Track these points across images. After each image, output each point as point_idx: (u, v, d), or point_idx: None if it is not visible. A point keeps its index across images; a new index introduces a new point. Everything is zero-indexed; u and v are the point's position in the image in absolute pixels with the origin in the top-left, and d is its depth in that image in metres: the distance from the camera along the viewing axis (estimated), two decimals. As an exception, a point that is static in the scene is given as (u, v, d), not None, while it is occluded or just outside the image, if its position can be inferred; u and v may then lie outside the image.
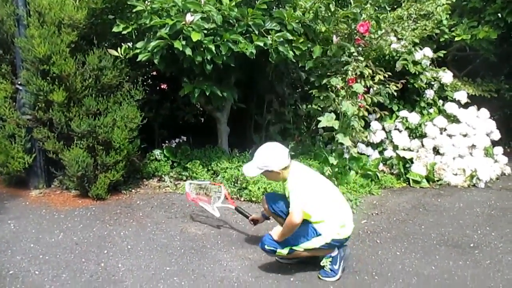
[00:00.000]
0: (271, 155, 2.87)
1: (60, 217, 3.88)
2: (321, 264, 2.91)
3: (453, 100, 5.56)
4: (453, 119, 5.41)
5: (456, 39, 5.83)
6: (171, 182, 4.84)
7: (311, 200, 2.80)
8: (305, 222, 2.83)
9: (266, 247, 2.89)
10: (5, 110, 4.32)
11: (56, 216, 3.90)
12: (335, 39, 4.83)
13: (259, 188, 4.38)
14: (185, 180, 4.86)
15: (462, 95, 5.55)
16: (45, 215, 3.90)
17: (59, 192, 4.50)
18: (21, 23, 4.29)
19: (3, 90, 4.41)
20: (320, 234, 2.83)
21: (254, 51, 4.18)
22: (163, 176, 4.91)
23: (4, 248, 3.26)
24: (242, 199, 4.42)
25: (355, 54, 4.82)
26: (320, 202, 2.83)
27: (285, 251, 2.87)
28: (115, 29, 4.33)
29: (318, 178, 3.02)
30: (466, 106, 5.54)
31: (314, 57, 4.77)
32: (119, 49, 4.47)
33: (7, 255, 3.14)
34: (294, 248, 2.86)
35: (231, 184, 4.56)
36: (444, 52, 5.66)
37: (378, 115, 5.32)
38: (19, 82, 4.39)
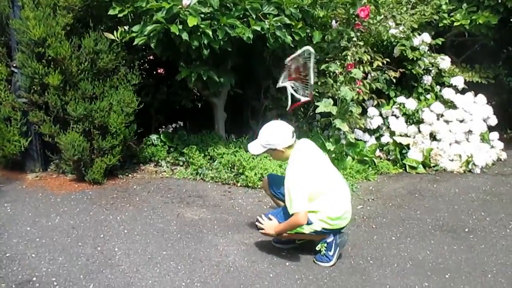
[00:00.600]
0: (275, 133, 2.85)
1: (56, 200, 3.88)
2: (316, 248, 2.93)
3: (450, 86, 5.55)
4: (450, 104, 5.41)
5: (455, 24, 5.78)
6: (167, 167, 4.84)
7: (309, 189, 2.77)
8: None
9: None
10: (0, 93, 4.28)
11: (52, 199, 3.90)
12: (334, 24, 4.79)
13: (255, 174, 4.38)
14: (181, 166, 4.88)
15: (459, 81, 5.53)
16: (42, 199, 3.91)
17: (55, 176, 4.50)
18: (15, 5, 4.23)
19: (-2, 73, 4.37)
20: (311, 223, 2.82)
21: (251, 36, 4.14)
22: (159, 161, 4.91)
23: (1, 231, 3.26)
24: (238, 184, 4.42)
25: (355, 39, 4.78)
26: (317, 192, 2.80)
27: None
28: (110, 12, 4.27)
29: (319, 163, 2.92)
30: (463, 92, 5.53)
31: (314, 43, 4.72)
32: (115, 32, 4.42)
33: (4, 238, 3.15)
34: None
35: (227, 169, 4.57)
36: (443, 39, 5.63)
37: (376, 102, 5.31)
38: (14, 65, 4.35)
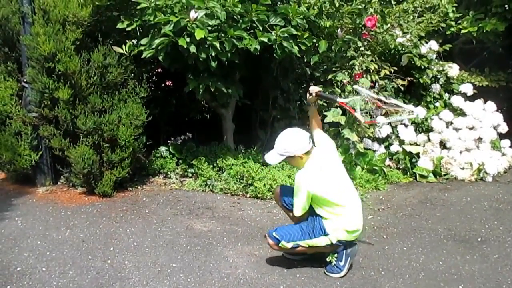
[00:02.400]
0: (292, 140, 2.84)
1: (66, 214, 3.90)
2: (327, 259, 2.90)
3: (459, 93, 5.51)
4: (459, 112, 5.37)
5: (463, 31, 5.77)
6: (176, 179, 4.85)
7: (321, 193, 2.77)
8: (315, 217, 2.84)
9: (273, 234, 2.86)
10: (11, 108, 4.34)
11: (62, 213, 3.92)
12: (339, 33, 4.80)
13: (264, 185, 4.37)
14: (190, 177, 4.87)
15: (468, 88, 5.51)
16: (52, 212, 3.93)
17: (65, 189, 4.52)
18: (26, 21, 4.30)
19: (9, 88, 4.42)
20: (327, 234, 2.81)
21: (258, 47, 4.16)
22: (168, 173, 4.92)
23: (12, 245, 3.28)
24: (247, 195, 4.41)
25: (362, 48, 4.78)
26: (332, 201, 2.78)
27: (289, 245, 2.85)
28: (119, 26, 4.33)
29: (335, 172, 2.90)
30: (472, 99, 5.49)
31: (320, 52, 4.73)
32: (123, 46, 4.47)
33: (14, 252, 3.17)
34: (298, 243, 2.85)
35: (236, 180, 4.56)
36: (450, 45, 5.61)
37: (384, 111, 5.29)
38: (24, 80, 4.40)
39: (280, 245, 2.87)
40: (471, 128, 5.24)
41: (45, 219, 3.78)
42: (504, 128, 5.40)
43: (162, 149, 5.14)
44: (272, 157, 2.90)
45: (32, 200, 4.24)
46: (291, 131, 2.89)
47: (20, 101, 4.46)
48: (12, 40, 4.54)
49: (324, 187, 2.77)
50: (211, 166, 4.81)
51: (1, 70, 4.51)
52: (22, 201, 4.20)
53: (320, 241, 2.83)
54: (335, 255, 2.87)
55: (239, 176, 4.58)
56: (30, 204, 4.14)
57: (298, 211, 2.85)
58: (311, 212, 2.90)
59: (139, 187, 4.62)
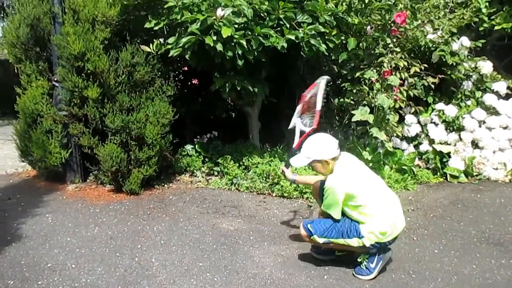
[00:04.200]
0: (320, 144, 2.81)
1: (95, 211, 3.95)
2: (358, 259, 2.84)
3: (492, 92, 5.33)
4: (492, 111, 5.19)
5: (496, 27, 5.57)
6: (202, 177, 4.87)
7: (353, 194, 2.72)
8: (351, 220, 2.79)
9: (308, 226, 2.84)
10: (43, 106, 4.43)
11: (91, 210, 3.98)
12: (369, 30, 4.70)
13: (290, 184, 4.32)
14: (216, 176, 4.88)
15: (501, 86, 5.31)
16: (81, 209, 3.99)
17: (94, 186, 4.59)
18: (56, 21, 4.39)
19: (40, 87, 4.52)
20: (362, 237, 2.75)
21: (285, 45, 4.12)
22: (195, 171, 4.94)
23: (42, 241, 3.35)
24: (273, 194, 4.38)
25: (391, 45, 4.67)
26: (365, 203, 2.72)
27: (320, 240, 2.81)
28: (147, 25, 4.36)
29: (366, 175, 2.87)
30: (506, 97, 5.30)
31: (349, 49, 4.65)
32: (151, 45, 4.51)
33: (45, 249, 3.22)
34: (331, 240, 2.81)
35: (262, 179, 4.53)
36: (483, 41, 5.42)
37: (413, 110, 5.17)
38: (55, 79, 4.49)
39: (312, 238, 2.83)
40: (505, 128, 5.05)
41: (74, 216, 3.84)
42: (539, 127, 5.19)
43: (188, 147, 5.16)
44: (298, 160, 2.88)
45: (62, 197, 4.32)
46: (320, 136, 2.88)
47: (51, 99, 4.56)
48: (43, 40, 4.64)
49: (357, 188, 2.72)
50: (237, 164, 4.79)
51: (32, 70, 4.61)
52: (53, 198, 4.29)
53: (353, 242, 2.77)
54: (367, 256, 2.81)
55: (265, 175, 4.55)
56: (60, 201, 4.22)
57: (337, 214, 2.78)
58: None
59: (165, 185, 4.65)
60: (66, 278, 2.82)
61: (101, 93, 4.27)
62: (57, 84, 4.48)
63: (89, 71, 4.24)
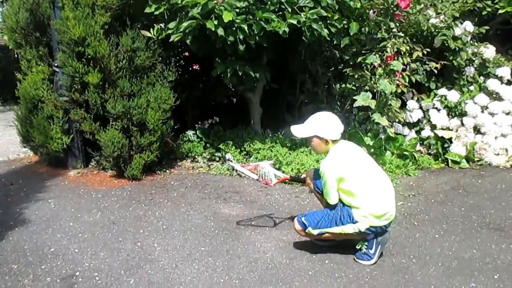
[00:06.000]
0: (327, 121, 2.80)
1: (97, 196, 3.97)
2: (357, 247, 2.86)
3: (496, 77, 5.30)
4: (495, 96, 5.16)
5: (500, 11, 5.52)
6: (204, 163, 4.87)
7: (347, 182, 2.72)
8: (343, 206, 2.79)
9: (302, 219, 2.84)
10: (43, 92, 4.41)
11: (93, 195, 3.99)
12: (371, 14, 4.66)
13: (292, 169, 4.33)
14: (217, 161, 4.88)
15: (505, 71, 5.28)
16: (83, 195, 4.01)
17: (96, 172, 4.60)
18: (56, 5, 4.34)
19: (41, 72, 4.50)
20: (356, 222, 2.75)
21: (287, 30, 4.08)
22: (196, 157, 4.95)
23: (45, 226, 3.37)
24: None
25: (394, 30, 4.63)
26: (359, 187, 2.72)
27: (315, 232, 2.82)
28: (147, 10, 4.32)
29: (361, 159, 2.86)
30: (509, 83, 5.27)
31: (351, 34, 4.60)
32: (151, 30, 4.47)
33: (48, 233, 3.24)
34: (326, 230, 2.81)
35: (264, 164, 4.53)
36: (487, 28, 5.36)
37: (416, 96, 5.14)
38: (55, 64, 4.47)
39: (306, 231, 2.85)
40: (507, 113, 5.04)
41: (76, 201, 3.86)
42: (542, 113, 5.17)
43: (190, 133, 5.16)
44: (300, 130, 2.87)
45: (64, 182, 4.33)
46: (330, 114, 2.85)
47: (52, 85, 4.54)
48: (43, 25, 4.60)
49: (348, 172, 2.72)
50: (239, 150, 4.80)
51: (33, 55, 4.58)
52: (55, 184, 4.30)
53: (348, 229, 2.78)
54: (366, 243, 2.82)
55: (267, 160, 4.54)
56: (62, 186, 4.24)
57: (332, 199, 2.78)
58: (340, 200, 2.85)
59: (167, 171, 4.66)
60: (69, 262, 2.85)
61: (102, 79, 4.25)
62: (57, 70, 4.46)
63: (89, 56, 4.21)
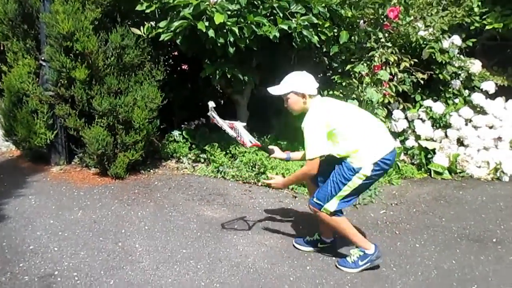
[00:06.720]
0: (302, 77, 2.83)
1: (79, 194, 3.92)
2: (350, 251, 2.86)
3: (481, 91, 5.39)
4: (479, 110, 5.25)
5: (487, 27, 5.62)
6: (189, 164, 4.85)
7: (338, 125, 2.69)
8: (339, 161, 2.75)
9: (314, 200, 2.79)
10: (29, 86, 4.35)
11: (75, 193, 3.94)
12: (362, 24, 4.70)
13: (277, 173, 4.33)
14: (203, 163, 4.86)
15: (489, 86, 5.37)
16: (65, 192, 3.95)
17: (79, 169, 4.55)
18: (45, -2, 4.29)
19: (27, 65, 4.43)
20: (359, 169, 2.68)
21: (277, 35, 4.10)
22: (181, 157, 4.92)
23: (25, 223, 3.31)
24: (259, 184, 4.39)
25: (383, 40, 4.68)
26: (349, 129, 2.70)
27: (330, 206, 2.74)
28: (138, 8, 4.29)
29: (345, 105, 2.88)
30: (493, 97, 5.36)
31: (341, 42, 4.64)
32: (142, 28, 4.44)
33: (28, 230, 3.19)
34: (340, 195, 2.73)
35: (249, 168, 4.53)
36: (474, 40, 5.46)
37: (401, 106, 5.19)
38: (42, 58, 4.41)
39: (323, 209, 2.77)
40: (490, 127, 5.12)
41: (58, 198, 3.81)
42: (524, 128, 5.27)
43: (176, 133, 5.13)
44: (276, 89, 2.88)
45: (46, 178, 4.27)
46: (303, 72, 2.89)
47: (38, 79, 4.48)
48: (31, 17, 4.53)
49: (337, 116, 2.72)
50: (224, 152, 4.79)
51: (20, 47, 4.51)
52: (36, 179, 4.23)
53: (356, 182, 2.70)
54: (362, 253, 2.82)
55: (252, 164, 4.55)
56: (44, 182, 4.17)
57: (312, 151, 2.66)
58: (334, 162, 2.79)
59: (151, 171, 4.62)
60: (48, 261, 2.81)
61: (89, 75, 4.20)
62: (44, 64, 4.40)
63: (77, 52, 4.16)
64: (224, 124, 3.06)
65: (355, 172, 2.70)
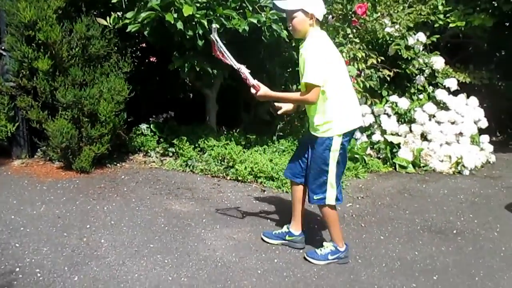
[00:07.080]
0: None
1: (42, 188, 3.80)
2: (324, 244, 2.91)
3: (444, 87, 5.56)
4: (442, 106, 5.42)
5: (451, 25, 5.78)
6: (157, 157, 4.79)
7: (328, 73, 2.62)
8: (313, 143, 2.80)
9: (314, 197, 2.79)
10: (-12, 76, 4.18)
11: (38, 187, 3.82)
12: (330, 19, 4.75)
13: (245, 168, 4.34)
14: (171, 156, 4.81)
15: (452, 82, 5.55)
16: (27, 186, 3.83)
17: (42, 163, 4.41)
18: (6, -14, 4.12)
19: (-15, 55, 4.26)
20: (330, 145, 2.70)
21: (247, 28, 4.09)
22: (149, 151, 4.85)
23: (-16, 218, 3.20)
24: (228, 177, 4.38)
25: (351, 36, 4.74)
26: (334, 89, 2.66)
27: (329, 198, 2.77)
28: (104, -3, 4.19)
29: (340, 60, 2.79)
30: (456, 93, 5.54)
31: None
32: (108, 18, 4.33)
33: (-13, 226, 3.08)
34: (330, 182, 2.75)
35: (217, 162, 4.52)
36: (438, 36, 5.61)
37: (369, 102, 5.29)
38: (2, 47, 4.25)
39: (327, 205, 2.80)
40: (452, 123, 5.29)
41: (20, 193, 3.68)
42: (484, 124, 5.47)
43: (143, 126, 5.05)
44: (287, 2, 2.66)
45: (7, 172, 4.12)
46: None
47: (-3, 69, 4.31)
48: (-10, 5, 4.35)
49: (332, 64, 2.66)
50: (193, 146, 4.75)
51: (-23, 36, 4.33)
52: (-4, 173, 4.09)
53: (333, 159, 2.72)
54: (334, 248, 2.88)
55: (220, 158, 4.54)
56: (5, 176, 4.03)
57: (314, 74, 2.58)
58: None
59: (118, 164, 4.54)
60: (9, 257, 2.71)
61: (52, 66, 4.07)
62: (4, 53, 4.24)
63: (40, 41, 4.02)
64: (229, 54, 2.97)
65: (329, 150, 2.72)
